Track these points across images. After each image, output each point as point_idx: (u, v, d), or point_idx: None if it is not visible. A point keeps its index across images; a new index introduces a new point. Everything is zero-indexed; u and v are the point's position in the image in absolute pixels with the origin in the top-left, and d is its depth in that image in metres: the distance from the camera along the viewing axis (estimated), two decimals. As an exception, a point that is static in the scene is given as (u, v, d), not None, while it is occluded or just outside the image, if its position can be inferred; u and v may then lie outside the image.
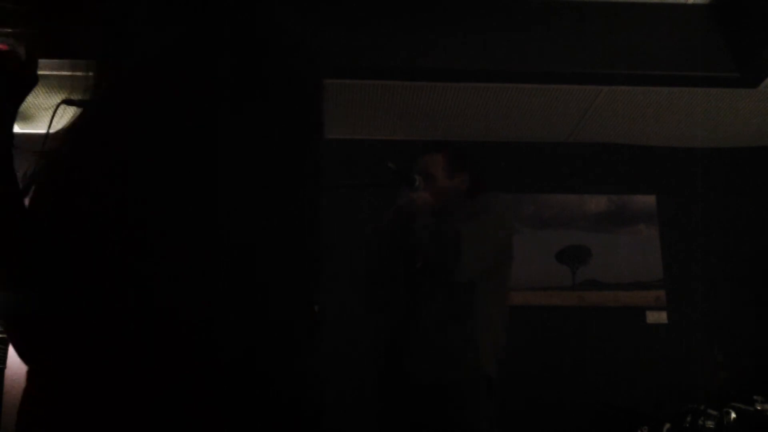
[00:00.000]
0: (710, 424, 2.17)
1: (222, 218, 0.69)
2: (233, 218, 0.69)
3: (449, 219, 2.06)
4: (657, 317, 3.28)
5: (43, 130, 0.81)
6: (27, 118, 2.96)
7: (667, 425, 2.35)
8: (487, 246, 2.03)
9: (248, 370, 0.68)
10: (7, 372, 2.75)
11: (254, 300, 0.69)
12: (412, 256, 2.09)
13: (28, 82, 0.76)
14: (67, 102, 0.82)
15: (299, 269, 0.75)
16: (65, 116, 0.78)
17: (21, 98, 0.76)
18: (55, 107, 0.85)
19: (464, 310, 2.01)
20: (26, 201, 0.71)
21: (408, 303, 2.07)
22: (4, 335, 2.82)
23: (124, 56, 0.74)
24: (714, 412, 2.20)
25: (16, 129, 0.75)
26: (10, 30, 0.76)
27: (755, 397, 2.20)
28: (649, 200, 3.46)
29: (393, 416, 2.02)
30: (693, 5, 2.76)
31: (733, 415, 2.12)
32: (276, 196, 0.73)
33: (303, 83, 0.82)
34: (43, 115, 2.95)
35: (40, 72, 0.81)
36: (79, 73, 0.75)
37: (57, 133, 0.73)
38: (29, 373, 0.69)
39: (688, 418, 2.23)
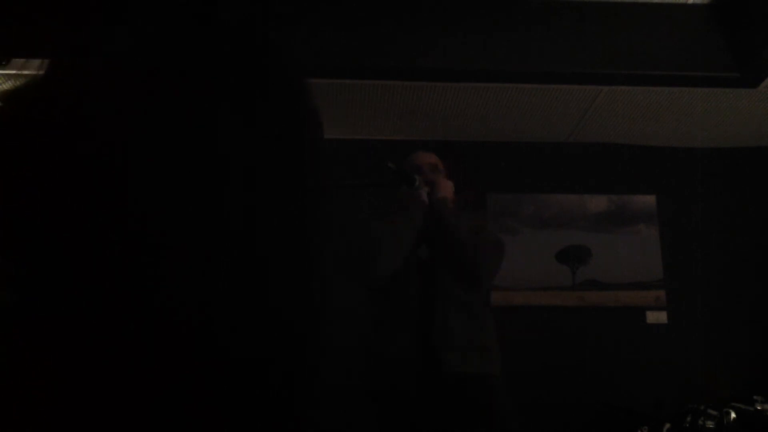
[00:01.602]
0: (710, 424, 2.17)
1: (221, 218, 0.69)
2: (232, 218, 0.69)
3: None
4: (657, 317, 3.28)
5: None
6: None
7: (667, 425, 2.35)
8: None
9: (247, 371, 0.68)
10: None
11: (255, 299, 0.69)
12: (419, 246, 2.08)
13: None
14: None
15: (302, 267, 0.75)
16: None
17: None
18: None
19: (483, 308, 2.05)
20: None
21: (420, 294, 2.06)
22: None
23: (116, 54, 0.74)
24: (714, 412, 2.20)
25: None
26: None
27: (755, 397, 2.19)
28: (649, 200, 3.46)
29: (418, 405, 2.01)
30: (693, 5, 2.76)
31: (733, 415, 2.12)
32: (275, 195, 0.73)
33: (291, 81, 0.82)
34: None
35: (40, 72, 0.80)
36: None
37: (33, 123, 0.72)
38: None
39: (688, 418, 2.23)
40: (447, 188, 2.08)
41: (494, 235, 2.19)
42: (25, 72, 2.49)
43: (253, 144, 0.72)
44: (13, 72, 2.59)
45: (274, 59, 0.78)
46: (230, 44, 0.75)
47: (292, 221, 0.75)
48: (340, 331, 0.82)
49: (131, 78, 0.71)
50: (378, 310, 2.05)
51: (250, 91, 0.73)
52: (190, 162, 0.69)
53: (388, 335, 2.05)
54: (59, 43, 0.79)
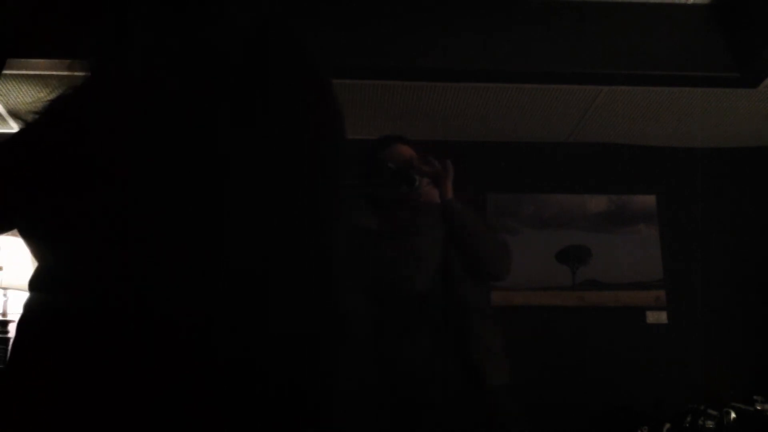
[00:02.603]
0: (710, 424, 2.17)
1: (227, 221, 0.69)
2: (239, 221, 0.69)
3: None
4: (657, 317, 3.28)
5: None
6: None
7: (667, 425, 2.35)
8: None
9: (254, 375, 0.67)
10: (7, 372, 2.74)
11: (262, 303, 0.69)
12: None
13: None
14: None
15: (311, 270, 0.74)
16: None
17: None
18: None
19: (492, 313, 2.05)
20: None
21: (447, 305, 2.04)
22: (5, 335, 2.82)
23: (127, 57, 0.74)
24: (714, 412, 2.20)
25: (15, 129, 0.76)
26: None
27: (755, 397, 2.20)
28: (649, 200, 3.46)
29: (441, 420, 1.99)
30: (693, 5, 2.76)
31: (733, 415, 2.12)
32: (284, 197, 0.73)
33: (307, 83, 0.82)
34: (43, 115, 2.95)
35: (40, 72, 0.81)
36: (78, 73, 0.75)
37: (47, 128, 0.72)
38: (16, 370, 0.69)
39: (688, 418, 2.23)
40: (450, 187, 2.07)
41: (501, 237, 2.19)
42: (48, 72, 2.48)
43: (258, 145, 0.72)
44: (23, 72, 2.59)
45: (280, 61, 0.77)
46: (237, 46, 0.75)
47: (299, 221, 0.75)
48: (363, 339, 0.82)
49: (138, 82, 0.71)
50: (400, 319, 2.02)
51: (255, 93, 0.72)
52: (195, 163, 0.68)
53: (413, 345, 2.01)
54: (87, 46, 0.78)
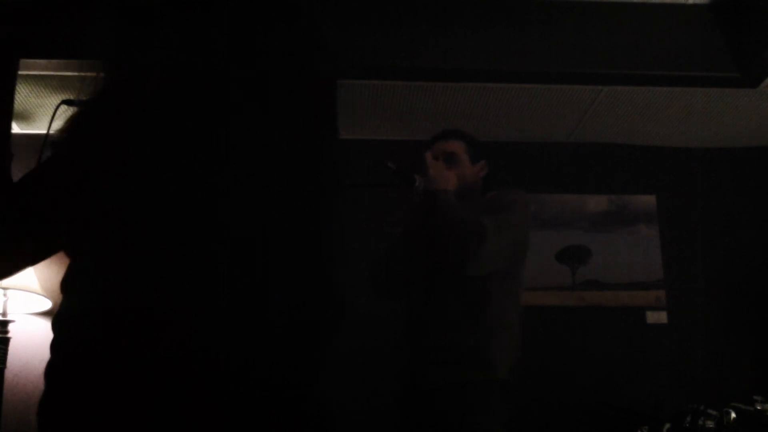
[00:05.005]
0: (710, 424, 2.17)
1: (229, 216, 0.69)
2: (241, 216, 0.69)
3: (469, 207, 1.99)
4: (657, 317, 3.28)
5: (43, 130, 0.81)
6: (27, 118, 2.96)
7: (667, 425, 2.35)
8: (507, 242, 1.97)
9: (256, 373, 0.67)
10: (7, 372, 2.75)
11: (262, 301, 0.69)
12: (425, 239, 2.04)
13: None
14: (67, 102, 0.83)
15: (310, 266, 0.75)
16: (65, 116, 0.78)
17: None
18: (55, 107, 0.85)
19: (479, 309, 1.97)
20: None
21: (420, 298, 2.05)
22: (5, 335, 2.82)
23: (135, 57, 0.74)
24: (714, 412, 2.20)
25: (16, 129, 0.76)
26: None
27: (755, 397, 2.19)
28: (649, 200, 3.46)
29: (404, 418, 2.00)
30: (693, 5, 2.76)
31: (733, 415, 2.12)
32: (285, 195, 0.73)
33: (312, 83, 0.82)
34: (43, 115, 2.95)
35: (39, 72, 0.81)
36: (79, 73, 0.76)
37: (63, 132, 0.74)
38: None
39: (688, 418, 2.23)
40: (444, 180, 2.01)
41: (513, 220, 2.03)
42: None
43: (266, 143, 0.72)
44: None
45: (280, 60, 0.77)
46: (244, 46, 0.75)
47: (304, 221, 0.75)
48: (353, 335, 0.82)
49: (143, 82, 0.71)
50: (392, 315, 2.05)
51: (257, 94, 0.73)
52: (197, 162, 0.68)
53: (395, 342, 2.04)
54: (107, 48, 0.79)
